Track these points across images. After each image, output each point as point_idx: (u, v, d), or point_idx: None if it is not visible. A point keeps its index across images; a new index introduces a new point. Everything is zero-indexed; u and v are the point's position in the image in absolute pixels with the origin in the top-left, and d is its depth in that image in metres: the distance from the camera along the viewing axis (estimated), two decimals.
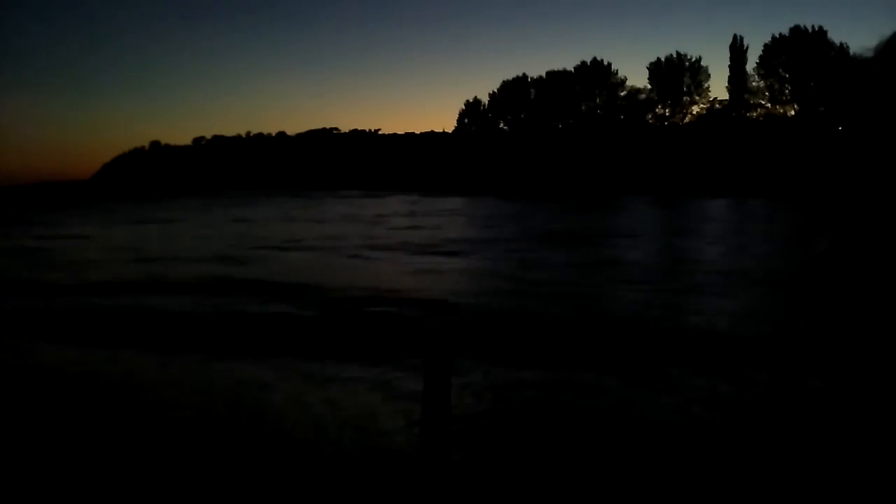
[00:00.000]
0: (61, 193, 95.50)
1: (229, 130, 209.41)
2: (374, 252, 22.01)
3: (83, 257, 22.17)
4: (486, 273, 18.15)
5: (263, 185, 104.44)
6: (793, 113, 72.47)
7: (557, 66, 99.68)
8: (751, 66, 74.35)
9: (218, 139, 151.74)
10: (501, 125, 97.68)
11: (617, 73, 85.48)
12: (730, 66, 75.34)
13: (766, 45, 73.20)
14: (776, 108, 74.03)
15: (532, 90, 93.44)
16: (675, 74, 79.69)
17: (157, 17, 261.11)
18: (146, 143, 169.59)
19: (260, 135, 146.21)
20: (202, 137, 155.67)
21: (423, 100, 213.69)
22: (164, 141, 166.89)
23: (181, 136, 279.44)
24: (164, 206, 54.77)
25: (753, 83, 74.54)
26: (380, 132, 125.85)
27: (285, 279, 16.12)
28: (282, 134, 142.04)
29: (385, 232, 29.44)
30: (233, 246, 23.93)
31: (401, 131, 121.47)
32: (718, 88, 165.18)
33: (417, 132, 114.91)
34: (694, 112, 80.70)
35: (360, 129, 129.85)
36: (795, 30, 71.43)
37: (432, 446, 5.27)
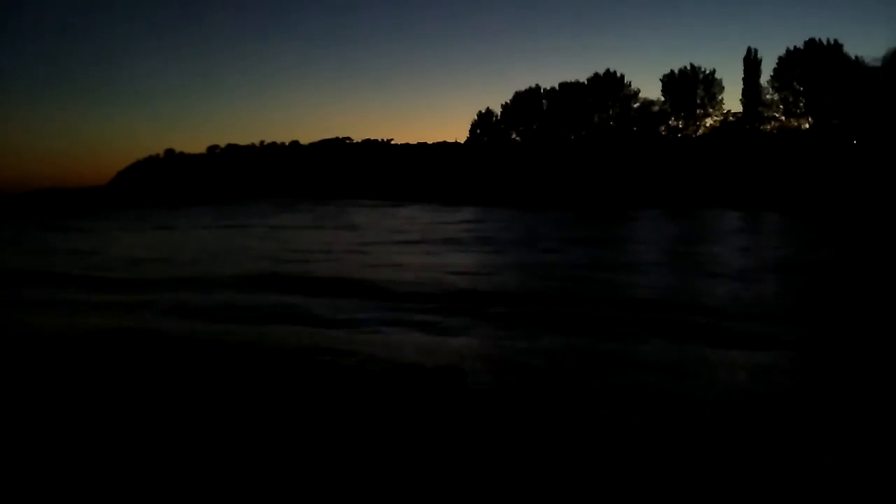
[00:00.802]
0: (79, 199, 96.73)
1: (243, 139, 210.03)
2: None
3: (151, 257, 24.90)
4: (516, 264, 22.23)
5: (277, 194, 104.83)
6: (807, 126, 71.93)
7: (570, 78, 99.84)
8: (765, 78, 73.91)
9: (232, 148, 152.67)
10: (514, 136, 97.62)
11: (630, 84, 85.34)
12: (743, 79, 74.93)
13: (780, 58, 72.82)
14: (790, 121, 73.49)
15: (545, 101, 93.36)
16: (689, 87, 79.37)
17: (173, 27, 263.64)
18: (161, 151, 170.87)
19: (273, 144, 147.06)
20: (216, 146, 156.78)
21: (435, 110, 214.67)
22: (178, 149, 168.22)
23: (195, 144, 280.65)
24: (185, 213, 56.23)
25: (767, 96, 74.09)
26: (392, 142, 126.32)
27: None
28: (295, 143, 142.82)
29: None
30: (282, 250, 26.58)
31: (413, 141, 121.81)
32: (732, 101, 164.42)
33: (430, 142, 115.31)
34: (707, 124, 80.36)
35: (372, 138, 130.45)
36: (810, 43, 70.99)
37: None
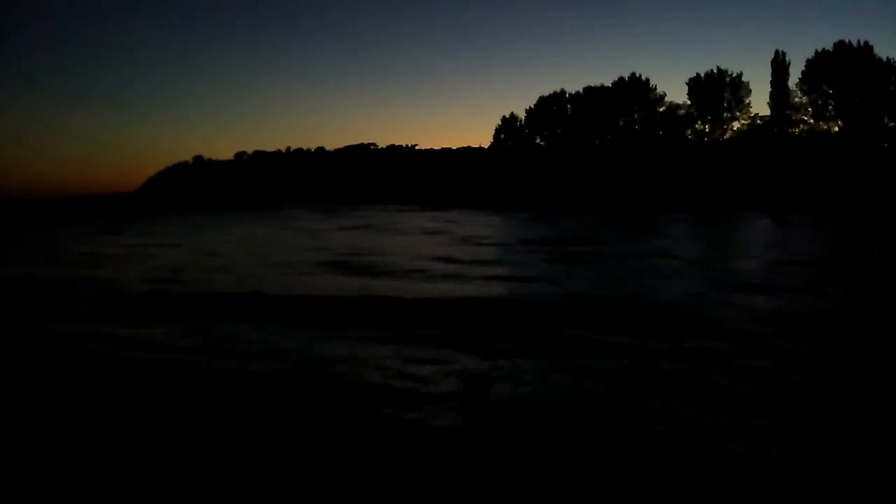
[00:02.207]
0: (110, 206, 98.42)
1: (270, 146, 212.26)
2: None
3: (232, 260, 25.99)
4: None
5: (303, 199, 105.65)
6: (836, 129, 70.94)
7: (595, 82, 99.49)
8: (793, 81, 73.17)
9: (259, 154, 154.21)
10: (538, 141, 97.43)
11: (655, 88, 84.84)
12: (771, 82, 74.25)
13: (808, 61, 72.00)
14: (819, 124, 72.57)
15: (569, 106, 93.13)
16: (716, 90, 78.68)
17: (200, 35, 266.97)
18: (189, 158, 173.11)
19: (300, 150, 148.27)
20: (243, 152, 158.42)
21: (459, 115, 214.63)
22: (206, 156, 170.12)
23: (223, 150, 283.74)
24: (224, 219, 57.98)
25: (796, 99, 73.26)
26: (416, 147, 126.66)
27: None
28: (321, 149, 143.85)
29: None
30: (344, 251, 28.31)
31: (437, 147, 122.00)
32: (760, 104, 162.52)
33: (454, 147, 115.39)
34: (734, 128, 79.65)
35: (397, 144, 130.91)
36: (840, 45, 70.10)
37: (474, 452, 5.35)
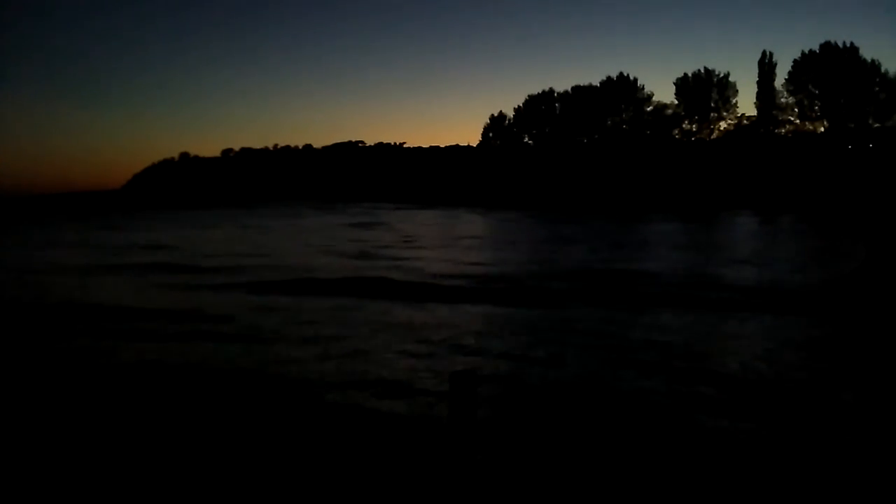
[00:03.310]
0: (96, 202, 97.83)
1: (257, 143, 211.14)
2: None
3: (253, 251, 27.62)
4: None
5: (291, 196, 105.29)
6: (822, 129, 71.44)
7: (583, 81, 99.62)
8: (779, 81, 73.64)
9: (246, 151, 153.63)
10: (526, 139, 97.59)
11: (643, 88, 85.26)
12: (758, 82, 74.68)
13: (795, 61, 72.49)
14: (805, 125, 73.07)
15: (557, 105, 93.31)
16: (703, 90, 79.06)
17: (188, 32, 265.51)
18: (176, 155, 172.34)
19: (287, 147, 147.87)
20: (230, 149, 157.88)
21: (448, 114, 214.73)
22: (193, 152, 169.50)
23: (210, 147, 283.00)
24: (214, 215, 58.52)
25: (782, 99, 73.73)
26: (405, 145, 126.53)
27: None
28: (308, 147, 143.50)
29: None
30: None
31: (426, 145, 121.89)
32: (746, 104, 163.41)
33: (442, 146, 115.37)
34: (721, 128, 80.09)
35: (385, 142, 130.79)
36: (826, 46, 70.61)
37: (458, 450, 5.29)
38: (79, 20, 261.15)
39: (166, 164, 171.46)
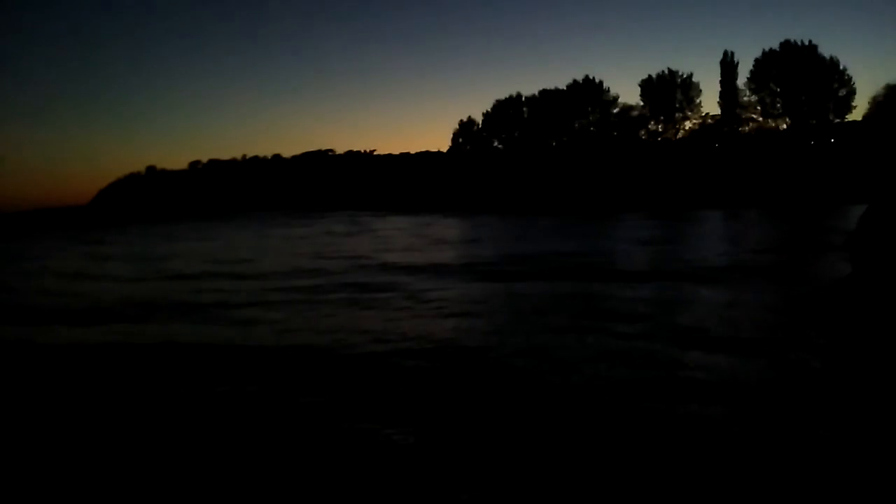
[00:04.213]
0: (63, 218, 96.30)
1: (225, 154, 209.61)
2: None
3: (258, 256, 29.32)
4: None
5: (261, 207, 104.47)
6: (784, 126, 72.71)
7: (550, 85, 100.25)
8: (742, 80, 74.67)
9: (214, 163, 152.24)
10: (496, 144, 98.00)
11: (609, 90, 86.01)
12: (721, 82, 75.63)
13: (756, 60, 73.58)
14: (768, 122, 74.26)
15: (525, 109, 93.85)
16: (667, 90, 80.00)
17: (153, 44, 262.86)
18: (142, 169, 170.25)
19: (256, 158, 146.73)
20: (198, 161, 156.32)
21: (417, 120, 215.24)
22: (160, 166, 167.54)
23: (177, 160, 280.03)
24: (185, 227, 58.56)
25: (745, 98, 74.77)
26: (375, 153, 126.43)
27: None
28: (277, 157, 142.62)
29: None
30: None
31: (396, 152, 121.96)
32: (710, 104, 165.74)
33: (412, 152, 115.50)
34: (686, 127, 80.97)
35: (355, 150, 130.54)
36: (786, 44, 71.84)
37: None
38: (41, 35, 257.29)
39: (133, 178, 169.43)
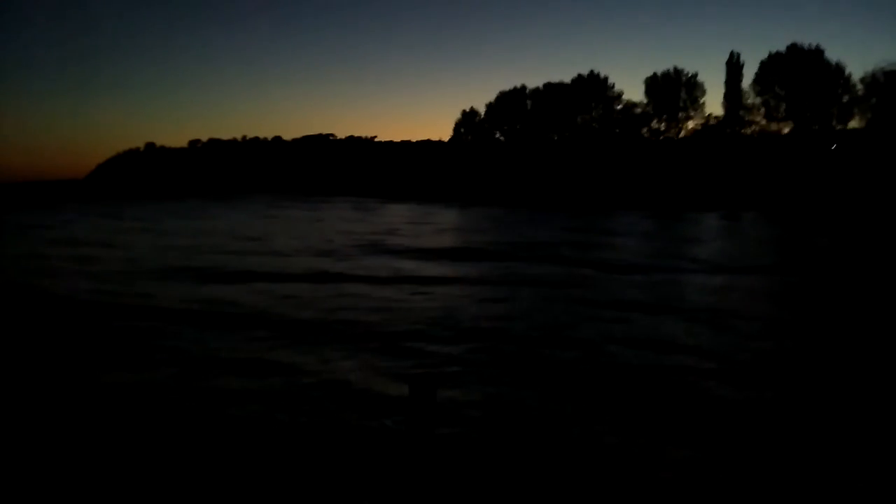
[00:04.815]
0: (60, 192, 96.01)
1: (225, 134, 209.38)
2: None
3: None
4: None
5: (261, 189, 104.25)
6: (787, 131, 72.60)
7: (555, 79, 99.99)
8: (747, 82, 74.50)
9: (214, 142, 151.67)
10: (498, 136, 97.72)
11: (613, 86, 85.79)
12: (726, 83, 75.52)
13: (762, 62, 73.40)
14: (771, 125, 74.12)
15: (529, 101, 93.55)
16: (672, 89, 79.83)
17: (156, 21, 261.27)
18: (141, 145, 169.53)
19: (256, 139, 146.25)
20: (198, 140, 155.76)
21: (419, 108, 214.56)
22: (159, 143, 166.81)
23: (177, 138, 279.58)
24: (193, 206, 59.13)
25: (749, 100, 74.63)
26: (376, 139, 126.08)
27: None
28: (278, 139, 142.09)
29: None
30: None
31: (397, 139, 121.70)
32: (714, 104, 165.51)
33: (413, 140, 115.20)
34: (689, 127, 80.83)
35: (356, 135, 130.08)
36: (792, 47, 71.62)
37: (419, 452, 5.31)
38: (43, 10, 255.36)
39: (131, 153, 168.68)
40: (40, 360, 10.01)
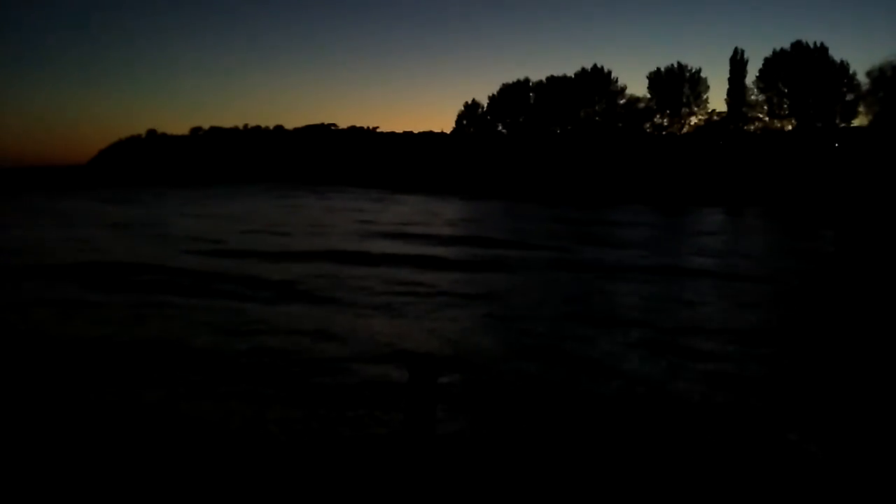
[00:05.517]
0: (62, 177, 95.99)
1: (227, 122, 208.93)
2: None
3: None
4: None
5: (261, 178, 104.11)
6: (790, 128, 72.64)
7: (558, 72, 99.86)
8: (750, 79, 74.52)
9: (215, 130, 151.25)
10: (500, 128, 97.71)
11: (617, 80, 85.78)
12: (729, 79, 75.48)
13: (766, 59, 73.41)
14: (774, 123, 74.18)
15: (532, 94, 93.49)
16: (675, 85, 79.81)
17: (159, 8, 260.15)
18: (143, 131, 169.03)
19: (258, 128, 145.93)
20: (199, 128, 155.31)
21: (422, 99, 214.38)
22: (160, 130, 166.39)
23: (178, 125, 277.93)
24: (200, 194, 60.13)
25: (752, 96, 74.69)
26: (378, 130, 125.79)
27: None
28: (279, 128, 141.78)
29: None
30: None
31: (399, 130, 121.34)
32: (717, 100, 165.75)
33: (415, 131, 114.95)
34: (692, 123, 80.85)
35: (358, 125, 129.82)
36: (797, 45, 71.63)
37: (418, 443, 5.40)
38: None
39: (133, 140, 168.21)
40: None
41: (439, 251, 22.87)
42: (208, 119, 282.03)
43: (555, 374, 9.23)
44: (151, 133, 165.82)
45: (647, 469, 6.28)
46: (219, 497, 5.68)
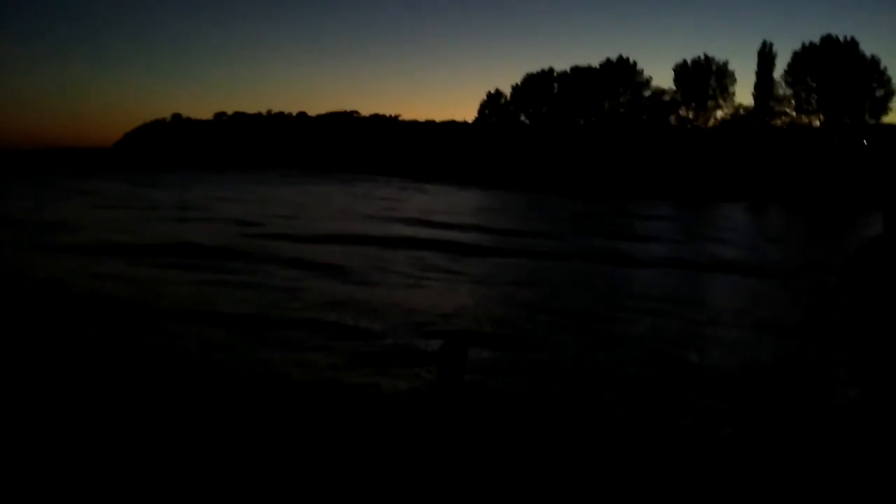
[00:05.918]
0: (87, 160, 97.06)
1: (251, 108, 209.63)
2: None
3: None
4: None
5: (283, 164, 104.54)
6: (818, 123, 71.65)
7: (583, 62, 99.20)
8: (778, 73, 73.52)
9: (239, 115, 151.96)
10: (523, 118, 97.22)
11: (642, 72, 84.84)
12: (757, 72, 74.48)
13: (795, 53, 72.41)
14: (801, 118, 73.18)
15: (556, 85, 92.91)
16: (701, 77, 78.86)
17: None
18: (168, 115, 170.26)
19: (281, 114, 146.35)
20: (223, 113, 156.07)
21: (444, 88, 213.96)
22: (185, 114, 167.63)
23: (203, 110, 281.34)
24: (230, 179, 60.39)
25: (780, 90, 73.72)
26: (400, 118, 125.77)
27: None
28: (302, 114, 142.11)
29: None
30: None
31: (421, 118, 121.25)
32: (744, 94, 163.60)
33: (437, 120, 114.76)
34: (718, 116, 79.96)
35: (380, 114, 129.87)
36: (826, 39, 70.57)
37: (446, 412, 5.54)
38: None
39: (158, 124, 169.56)
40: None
41: (466, 237, 23.95)
42: (232, 104, 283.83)
43: (582, 349, 9.72)
44: (176, 117, 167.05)
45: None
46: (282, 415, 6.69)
